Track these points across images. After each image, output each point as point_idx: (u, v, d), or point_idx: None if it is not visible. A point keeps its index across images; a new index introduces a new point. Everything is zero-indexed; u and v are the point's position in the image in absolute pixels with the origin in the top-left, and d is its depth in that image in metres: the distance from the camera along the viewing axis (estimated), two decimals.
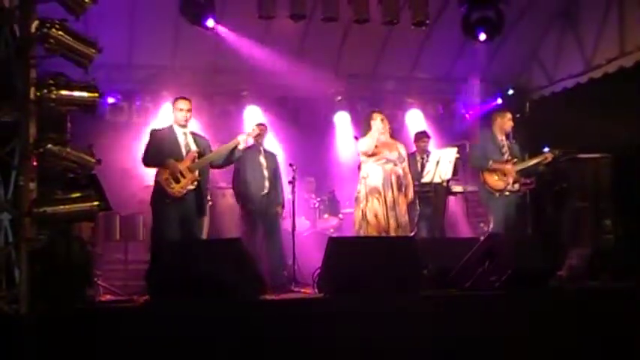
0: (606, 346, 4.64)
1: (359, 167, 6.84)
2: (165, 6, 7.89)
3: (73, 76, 4.36)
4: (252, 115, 9.19)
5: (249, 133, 6.68)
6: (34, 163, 4.16)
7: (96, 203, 4.42)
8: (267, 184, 7.30)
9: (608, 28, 8.35)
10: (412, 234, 6.96)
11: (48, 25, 4.18)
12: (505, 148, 7.27)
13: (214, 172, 8.14)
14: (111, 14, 7.33)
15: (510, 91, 9.80)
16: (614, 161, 7.62)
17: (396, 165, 6.70)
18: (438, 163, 7.21)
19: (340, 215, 9.00)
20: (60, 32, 4.20)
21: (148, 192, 6.27)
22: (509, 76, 9.90)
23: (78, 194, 4.35)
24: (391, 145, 6.77)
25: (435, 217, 7.64)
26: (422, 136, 8.48)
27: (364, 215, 6.56)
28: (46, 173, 4.27)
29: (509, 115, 7.41)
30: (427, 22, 8.08)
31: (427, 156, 7.88)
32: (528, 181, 7.42)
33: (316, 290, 5.39)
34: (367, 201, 6.58)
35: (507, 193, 7.10)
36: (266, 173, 7.34)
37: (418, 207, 7.55)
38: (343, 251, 5.18)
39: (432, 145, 8.53)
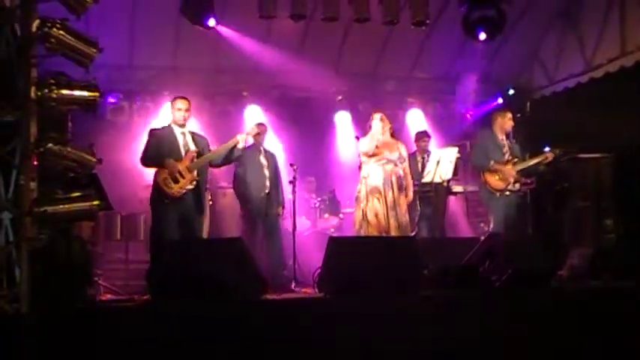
0: (606, 346, 4.63)
1: (359, 167, 6.84)
2: (165, 6, 7.90)
3: (73, 75, 4.36)
4: (253, 115, 9.19)
5: (249, 132, 6.69)
6: (35, 163, 4.16)
7: (96, 203, 4.43)
8: (267, 183, 7.31)
9: (609, 27, 8.34)
10: (413, 234, 6.96)
11: (49, 24, 4.18)
12: (506, 148, 7.27)
13: (215, 172, 8.16)
14: (112, 14, 7.34)
15: (511, 91, 9.79)
16: (615, 161, 7.62)
17: (396, 165, 6.71)
18: (438, 162, 7.21)
19: (341, 215, 9.00)
20: (61, 32, 4.20)
21: (149, 191, 6.27)
22: (510, 75, 9.90)
23: (78, 193, 4.35)
24: (392, 145, 6.78)
25: (435, 217, 7.64)
26: (422, 135, 8.48)
27: (364, 215, 6.57)
28: (46, 172, 4.27)
29: (509, 115, 7.42)
30: (427, 21, 8.08)
31: (428, 156, 7.88)
32: (529, 180, 7.43)
33: (316, 290, 5.38)
34: (368, 201, 6.58)
35: (508, 192, 7.11)
36: (267, 173, 7.35)
37: (418, 207, 7.55)
38: (344, 251, 5.18)
39: (432, 145, 8.53)
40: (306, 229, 8.55)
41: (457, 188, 8.25)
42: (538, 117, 9.30)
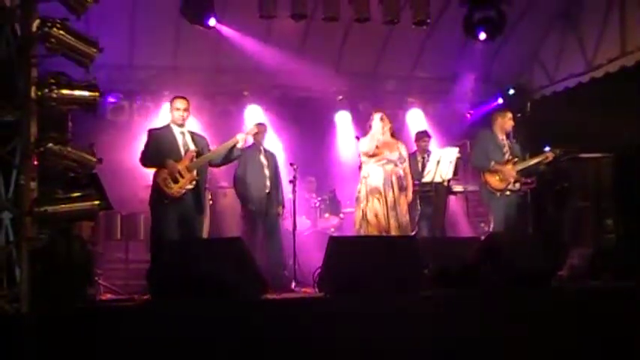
0: (606, 346, 4.63)
1: (359, 167, 6.84)
2: (165, 6, 7.90)
3: (74, 75, 4.36)
4: (253, 115, 9.19)
5: (248, 132, 6.68)
6: (35, 162, 4.16)
7: (97, 202, 4.43)
8: (268, 183, 7.32)
9: (609, 28, 8.34)
10: (413, 233, 6.96)
11: (49, 24, 4.18)
12: (506, 148, 7.28)
13: (215, 172, 8.16)
14: (112, 14, 7.35)
15: (511, 91, 9.79)
16: (616, 161, 7.62)
17: (396, 165, 6.71)
18: (438, 162, 7.22)
19: (341, 215, 9.00)
20: (61, 31, 4.20)
21: (149, 191, 6.27)
22: (510, 75, 9.90)
23: (79, 193, 4.35)
24: (392, 145, 6.77)
25: (435, 217, 7.64)
26: (423, 135, 8.48)
27: (364, 215, 6.57)
28: (46, 172, 4.27)
29: (509, 115, 7.42)
30: (428, 21, 8.08)
31: (428, 155, 7.89)
32: (529, 180, 7.43)
33: (317, 290, 5.38)
34: (368, 201, 6.58)
35: (508, 192, 7.11)
36: (267, 173, 7.36)
37: (419, 206, 7.56)
38: (344, 251, 5.17)
39: (432, 145, 8.53)
40: (306, 228, 8.56)
41: (457, 188, 8.25)
42: (538, 117, 9.29)
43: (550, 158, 7.22)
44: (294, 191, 7.29)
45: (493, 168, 7.13)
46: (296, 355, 4.20)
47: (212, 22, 7.77)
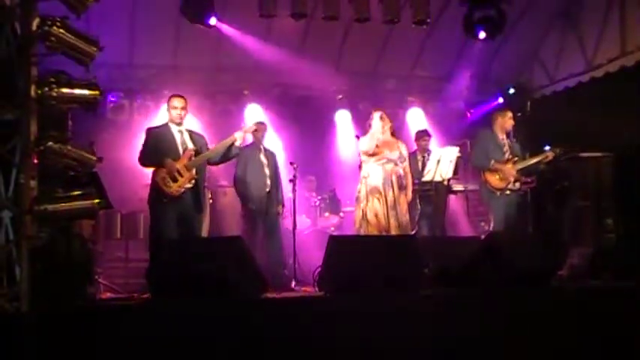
0: (606, 346, 4.63)
1: (360, 166, 6.84)
2: (166, 5, 7.90)
3: (74, 74, 4.36)
4: (253, 114, 9.18)
5: (246, 129, 6.63)
6: (35, 161, 4.16)
7: (97, 201, 4.42)
8: (268, 182, 7.33)
9: (609, 27, 8.35)
10: (413, 232, 6.96)
11: (49, 22, 4.18)
12: (506, 147, 7.28)
13: (215, 171, 8.16)
14: (112, 13, 7.34)
15: (511, 90, 9.80)
16: (616, 160, 7.62)
17: (396, 165, 6.71)
18: (438, 161, 7.22)
19: (341, 214, 9.00)
20: (61, 30, 4.20)
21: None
22: (511, 75, 9.91)
23: (79, 192, 4.34)
24: (392, 145, 6.77)
25: (435, 216, 7.65)
26: (423, 134, 8.48)
27: (364, 215, 6.57)
28: (47, 171, 4.27)
29: (509, 114, 7.42)
30: (428, 20, 8.08)
31: (428, 155, 7.89)
32: (529, 179, 7.42)
33: (317, 289, 5.39)
34: (367, 201, 6.58)
35: (508, 192, 7.11)
36: (267, 171, 7.36)
37: (419, 206, 7.57)
38: (344, 250, 5.17)
39: (433, 144, 8.53)
40: (306, 227, 8.56)
41: (457, 187, 8.25)
42: (538, 116, 9.29)
43: (550, 157, 7.22)
44: (294, 190, 7.29)
45: (493, 167, 7.13)
46: (296, 355, 4.20)
47: (213, 21, 7.77)
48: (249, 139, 7.62)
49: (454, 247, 5.97)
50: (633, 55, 7.94)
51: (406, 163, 6.88)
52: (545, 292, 5.18)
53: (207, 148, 6.38)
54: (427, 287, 5.09)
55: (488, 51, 9.33)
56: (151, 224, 6.25)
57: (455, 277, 5.26)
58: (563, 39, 9.16)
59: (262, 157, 7.42)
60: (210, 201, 8.22)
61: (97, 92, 4.37)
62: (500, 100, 9.79)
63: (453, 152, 7.30)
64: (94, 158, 4.46)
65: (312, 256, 6.80)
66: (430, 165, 7.33)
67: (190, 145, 6.21)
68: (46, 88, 4.17)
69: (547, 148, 7.32)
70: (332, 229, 8.73)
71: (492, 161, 7.14)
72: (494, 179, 7.14)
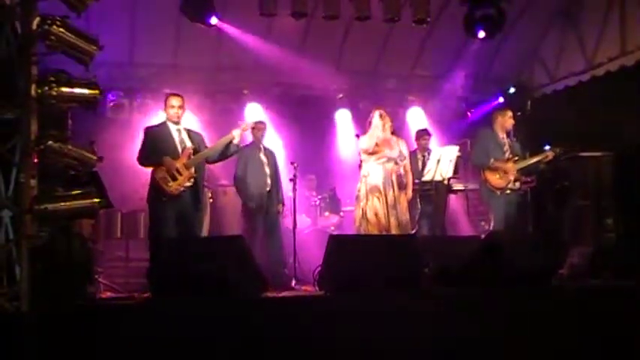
0: (607, 346, 4.63)
1: (360, 165, 6.83)
2: (166, 4, 7.89)
3: (74, 73, 4.36)
4: (254, 113, 9.18)
5: (244, 127, 6.58)
6: (35, 160, 4.16)
7: (97, 200, 4.42)
8: (268, 181, 7.33)
9: (610, 27, 8.35)
10: (413, 232, 6.96)
11: (49, 21, 4.17)
12: (506, 147, 7.28)
13: (215, 170, 8.16)
14: (112, 12, 7.34)
15: (512, 90, 9.79)
16: (616, 159, 7.61)
17: (396, 163, 6.70)
18: (439, 161, 7.21)
19: (341, 213, 9.00)
20: (61, 29, 4.19)
21: None
22: (511, 74, 9.90)
23: (79, 191, 4.34)
24: (392, 143, 6.76)
25: (435, 215, 7.64)
26: (423, 133, 8.48)
27: (364, 214, 6.56)
28: (47, 170, 4.27)
29: (509, 113, 7.42)
30: (428, 19, 8.08)
31: (428, 154, 7.90)
32: (529, 179, 7.42)
33: (317, 288, 5.39)
34: (367, 200, 6.57)
35: (508, 191, 7.11)
36: (267, 171, 7.37)
37: (419, 205, 7.56)
38: (344, 249, 5.17)
39: (433, 143, 8.53)
40: (306, 227, 8.56)
41: (457, 186, 8.26)
42: (538, 115, 9.29)
43: (550, 157, 7.22)
44: (294, 189, 7.29)
45: (493, 165, 7.13)
46: (296, 354, 4.20)
47: (214, 20, 7.78)
48: (249, 138, 7.62)
49: (454, 246, 5.97)
50: (633, 54, 7.94)
51: (406, 161, 6.87)
52: (545, 292, 5.18)
53: (206, 147, 6.36)
54: (427, 286, 5.09)
55: (488, 50, 9.32)
56: (150, 223, 6.25)
57: (455, 277, 5.26)
58: (563, 38, 9.16)
59: (262, 157, 7.43)
60: (211, 200, 8.22)
61: (97, 91, 4.36)
62: (501, 99, 9.78)
63: (453, 151, 7.30)
64: (94, 157, 4.46)
65: (312, 255, 6.80)
66: (430, 164, 7.33)
67: (189, 144, 6.20)
68: (46, 87, 4.16)
69: (547, 147, 7.32)
70: (332, 228, 8.73)
71: (492, 160, 7.14)
72: (494, 178, 7.13)
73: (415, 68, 9.84)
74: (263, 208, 7.23)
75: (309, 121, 9.56)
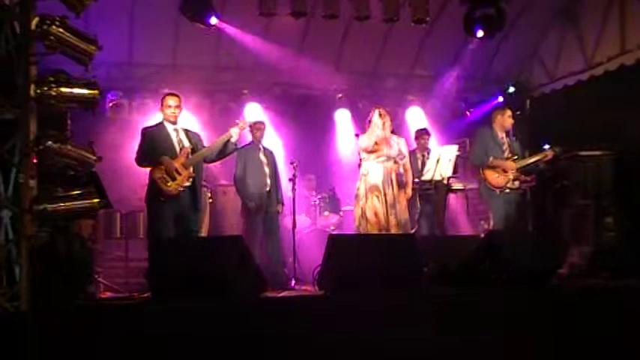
0: (606, 346, 4.63)
1: (359, 165, 6.83)
2: (165, 4, 7.89)
3: (73, 73, 4.36)
4: (253, 113, 9.18)
5: (241, 126, 6.54)
6: (35, 161, 4.16)
7: (96, 200, 4.42)
8: (268, 181, 7.33)
9: (609, 26, 8.34)
10: (413, 231, 6.96)
11: (48, 22, 4.17)
12: (505, 146, 7.27)
13: (215, 170, 8.16)
14: (111, 12, 7.33)
15: (511, 89, 9.79)
16: (616, 158, 7.62)
17: (396, 162, 6.69)
18: (438, 160, 7.21)
19: (341, 213, 9.00)
20: (60, 29, 4.20)
21: None
22: (510, 73, 9.90)
23: (78, 191, 4.34)
24: (392, 142, 6.75)
25: (435, 215, 7.64)
26: (422, 133, 8.48)
27: (364, 213, 6.55)
28: (46, 170, 4.27)
29: (509, 113, 7.41)
30: (427, 19, 8.08)
31: (427, 153, 7.90)
32: (529, 178, 7.42)
33: (316, 288, 5.39)
34: (367, 199, 6.57)
35: (507, 190, 7.10)
36: (267, 170, 7.37)
37: (418, 204, 7.56)
38: (343, 249, 5.17)
39: (432, 143, 8.53)
40: (306, 226, 8.55)
41: (457, 186, 8.25)
42: (538, 115, 9.30)
43: (550, 156, 7.22)
44: (293, 189, 7.29)
45: (492, 164, 7.12)
46: (295, 353, 4.20)
47: (214, 20, 7.77)
48: (248, 137, 7.62)
49: (454, 245, 5.98)
50: (633, 53, 7.94)
51: (406, 160, 6.86)
52: (545, 292, 5.18)
53: (203, 146, 6.35)
54: (427, 286, 5.09)
55: (487, 49, 9.32)
56: (149, 223, 6.23)
57: (455, 276, 5.27)
58: (562, 37, 9.16)
59: (262, 156, 7.43)
60: (210, 200, 8.22)
61: (96, 91, 4.36)
62: (500, 98, 9.78)
63: (452, 151, 7.29)
64: (94, 157, 4.46)
65: (312, 255, 6.81)
66: (430, 164, 7.33)
67: (187, 144, 6.18)
68: (46, 88, 4.17)
69: (546, 146, 7.32)
70: (332, 228, 8.73)
71: (491, 159, 7.14)
72: (493, 177, 7.13)
73: (414, 68, 9.84)
74: (262, 208, 7.23)
75: (308, 121, 9.56)
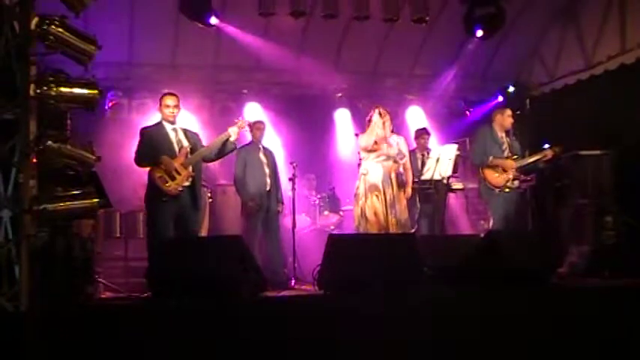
0: (606, 346, 4.63)
1: (359, 165, 6.83)
2: (165, 3, 7.89)
3: (73, 73, 4.36)
4: (253, 112, 9.18)
5: (240, 125, 6.51)
6: (35, 160, 4.16)
7: (96, 200, 4.42)
8: (268, 181, 7.33)
9: (609, 25, 8.35)
10: (412, 231, 6.96)
11: (48, 21, 4.18)
12: (505, 145, 7.28)
13: (214, 170, 8.15)
14: (111, 12, 7.33)
15: (511, 88, 9.79)
16: (616, 158, 7.62)
17: (396, 162, 6.69)
18: (438, 160, 7.22)
19: (341, 212, 8.99)
20: (60, 29, 4.20)
21: None
22: (510, 73, 9.90)
23: (78, 191, 4.34)
24: (391, 141, 6.74)
25: (435, 214, 7.64)
26: (422, 132, 8.48)
27: (363, 213, 6.55)
28: (46, 170, 4.27)
29: (509, 112, 7.42)
30: (427, 19, 8.08)
31: (427, 153, 7.90)
32: (529, 177, 7.42)
33: (316, 287, 5.39)
34: (366, 198, 6.56)
35: (507, 189, 7.10)
36: (267, 170, 7.36)
37: (418, 204, 7.56)
38: (343, 248, 5.18)
39: (432, 142, 8.53)
40: (306, 226, 8.55)
41: (457, 185, 8.25)
42: (538, 114, 9.29)
43: (549, 155, 7.23)
44: (293, 189, 7.29)
45: (492, 163, 7.13)
46: (296, 353, 4.20)
47: (214, 20, 7.77)
48: (248, 136, 7.62)
49: (453, 245, 5.98)
50: (633, 52, 7.94)
51: (406, 159, 6.85)
52: (544, 291, 5.18)
53: (202, 146, 6.34)
54: (427, 285, 5.09)
55: (487, 49, 9.32)
56: (149, 223, 6.23)
57: (454, 276, 5.26)
58: (562, 36, 9.16)
59: (261, 156, 7.42)
60: (210, 200, 8.22)
61: (96, 91, 4.36)
62: (500, 98, 9.78)
63: (452, 150, 7.29)
64: (93, 157, 4.46)
65: (312, 254, 6.80)
66: (429, 163, 7.34)
67: (185, 143, 6.17)
68: (45, 88, 4.17)
69: (546, 146, 7.32)
70: (332, 227, 8.73)
71: (491, 158, 7.14)
72: (493, 177, 7.13)
73: (414, 67, 9.83)
74: (262, 208, 7.23)
75: (308, 121, 9.55)
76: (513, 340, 4.50)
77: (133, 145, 6.32)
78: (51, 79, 4.20)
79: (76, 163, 4.36)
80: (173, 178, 5.97)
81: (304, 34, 8.90)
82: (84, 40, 4.35)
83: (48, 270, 4.37)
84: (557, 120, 8.55)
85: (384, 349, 4.28)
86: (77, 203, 4.32)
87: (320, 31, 8.66)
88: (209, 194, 8.17)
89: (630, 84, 7.64)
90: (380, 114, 6.70)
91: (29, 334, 3.77)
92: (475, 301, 4.75)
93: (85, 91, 4.33)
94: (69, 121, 5.36)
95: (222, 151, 6.36)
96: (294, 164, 7.29)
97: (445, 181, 7.48)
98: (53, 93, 4.19)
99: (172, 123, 6.22)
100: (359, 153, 6.79)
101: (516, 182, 7.14)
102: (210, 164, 7.17)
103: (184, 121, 7.29)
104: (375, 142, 6.61)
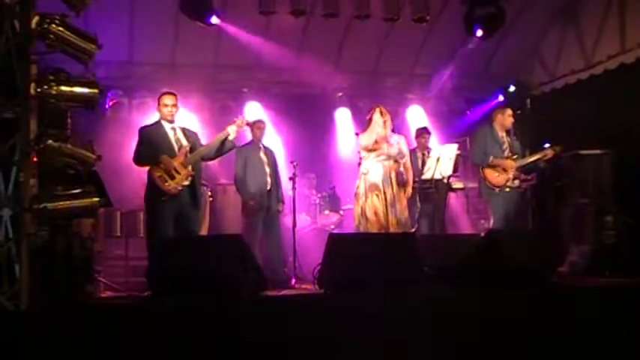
0: (606, 346, 4.63)
1: (359, 164, 6.82)
2: (165, 2, 7.89)
3: (73, 72, 4.36)
4: (253, 112, 9.18)
5: (239, 123, 6.46)
6: (35, 159, 4.16)
7: (96, 199, 4.43)
8: (268, 180, 7.33)
9: (609, 24, 8.35)
10: (413, 230, 6.95)
11: (48, 20, 4.18)
12: (505, 145, 7.28)
13: (214, 169, 8.15)
14: (111, 11, 7.33)
15: (511, 88, 9.79)
16: (616, 157, 7.62)
17: (396, 161, 6.68)
18: (438, 159, 7.21)
19: (341, 211, 8.99)
20: (60, 28, 4.20)
21: None
22: (510, 72, 9.90)
23: (78, 190, 4.35)
24: (392, 140, 6.73)
25: (435, 214, 7.64)
26: (423, 132, 8.48)
27: (363, 212, 6.54)
28: (46, 169, 4.27)
29: (509, 112, 7.42)
30: (428, 18, 8.07)
31: (428, 152, 7.89)
32: (529, 177, 7.42)
33: (316, 286, 5.38)
34: (367, 197, 6.56)
35: (507, 189, 7.11)
36: (267, 169, 7.37)
37: (418, 203, 7.55)
38: (343, 247, 5.18)
39: (433, 142, 8.52)
40: (306, 225, 8.54)
41: (457, 185, 8.25)
42: (538, 114, 9.29)
43: (550, 155, 7.23)
44: (293, 188, 7.29)
45: (492, 162, 7.13)
46: (296, 353, 4.20)
47: (214, 19, 7.77)
48: (248, 135, 7.62)
49: (454, 244, 5.98)
50: (633, 52, 7.94)
51: (406, 159, 6.84)
52: (544, 291, 5.18)
53: (201, 145, 6.34)
54: (427, 285, 5.09)
55: (488, 48, 9.32)
56: (149, 222, 6.23)
57: (454, 275, 5.26)
58: (562, 36, 9.16)
59: (262, 155, 7.42)
60: (210, 199, 8.21)
61: (96, 90, 4.37)
62: (501, 97, 9.78)
63: (453, 150, 7.29)
64: (94, 156, 4.46)
65: (312, 254, 6.79)
66: (430, 163, 7.34)
67: (184, 142, 6.16)
68: (46, 86, 4.17)
69: (547, 145, 7.32)
70: (332, 226, 8.72)
71: (491, 157, 7.14)
72: (493, 176, 7.13)
73: (415, 67, 9.83)
74: (263, 207, 7.23)
75: (308, 120, 9.54)
76: (513, 340, 4.50)
77: (133, 144, 6.32)
78: (51, 78, 4.20)
79: (76, 162, 4.37)
80: (172, 178, 5.96)
81: (305, 33, 8.90)
82: (84, 39, 4.35)
83: (48, 269, 4.37)
84: (557, 119, 8.55)
85: (384, 348, 4.28)
86: (77, 202, 4.32)
87: (320, 30, 8.65)
88: (209, 193, 8.17)
89: (630, 83, 7.64)
90: (380, 113, 6.69)
91: (29, 332, 3.77)
92: (475, 301, 4.75)
93: (85, 90, 4.33)
94: (69, 120, 5.38)
95: (221, 149, 6.35)
96: (295, 163, 7.29)
97: (445, 181, 7.49)
98: (53, 92, 4.19)
99: (171, 122, 6.21)
100: (359, 152, 6.78)
101: (517, 182, 7.15)
102: (211, 163, 7.17)
103: (184, 120, 7.29)
104: (376, 142, 6.61)
